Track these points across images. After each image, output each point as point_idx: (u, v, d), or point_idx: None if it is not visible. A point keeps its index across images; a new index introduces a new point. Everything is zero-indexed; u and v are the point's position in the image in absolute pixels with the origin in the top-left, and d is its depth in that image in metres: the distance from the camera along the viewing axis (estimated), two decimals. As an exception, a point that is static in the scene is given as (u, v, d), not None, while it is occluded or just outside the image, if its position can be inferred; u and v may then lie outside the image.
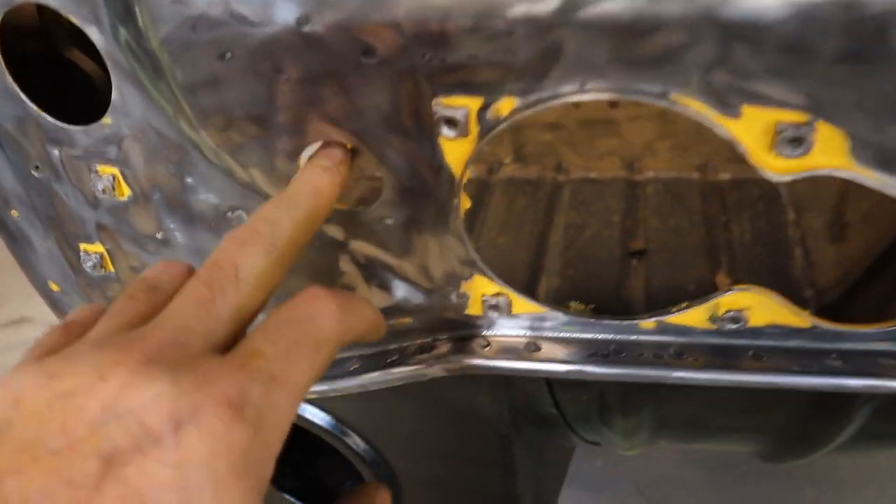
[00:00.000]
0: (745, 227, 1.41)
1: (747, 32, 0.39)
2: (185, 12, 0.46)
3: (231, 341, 0.37)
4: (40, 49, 0.69)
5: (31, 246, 0.73)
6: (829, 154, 0.44)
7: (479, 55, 0.43)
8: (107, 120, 0.58)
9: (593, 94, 0.44)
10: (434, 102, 0.46)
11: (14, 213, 0.70)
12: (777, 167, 0.45)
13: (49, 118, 0.60)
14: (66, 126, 0.59)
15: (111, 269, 0.69)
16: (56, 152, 0.62)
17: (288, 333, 0.37)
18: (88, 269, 0.69)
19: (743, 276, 1.34)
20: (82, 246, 0.68)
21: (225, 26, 0.46)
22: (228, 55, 0.47)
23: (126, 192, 0.62)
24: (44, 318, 2.40)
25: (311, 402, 0.78)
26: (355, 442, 0.79)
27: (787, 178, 0.45)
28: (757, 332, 0.57)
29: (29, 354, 0.37)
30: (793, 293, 1.25)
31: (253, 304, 0.40)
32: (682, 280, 1.31)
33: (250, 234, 0.41)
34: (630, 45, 0.41)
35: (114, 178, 0.61)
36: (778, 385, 0.56)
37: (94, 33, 0.53)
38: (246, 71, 0.48)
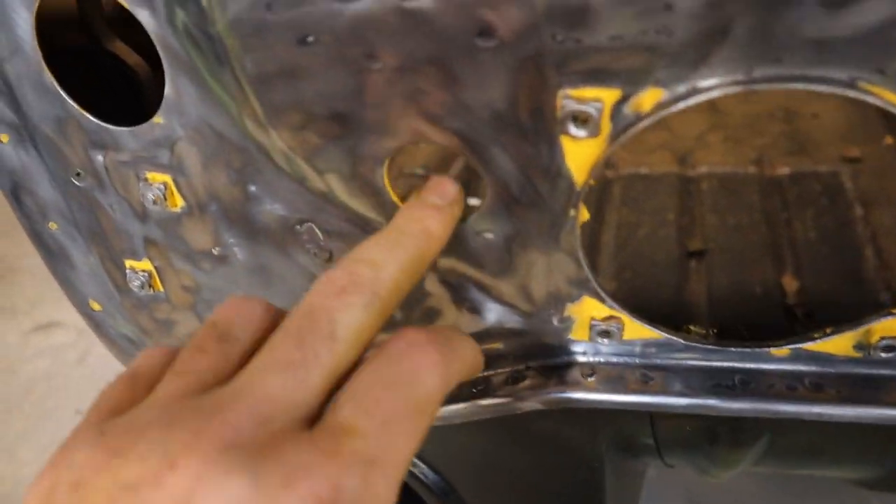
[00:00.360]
0: (809, 224, 1.31)
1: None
2: (262, -9, 0.39)
3: (320, 410, 0.30)
4: (80, 41, 0.62)
5: (70, 262, 0.66)
6: None
7: (625, 35, 0.35)
8: (158, 119, 0.51)
9: (762, 83, 0.36)
10: (560, 95, 0.39)
11: (52, 225, 0.63)
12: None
13: (92, 118, 0.52)
14: (111, 127, 0.52)
15: (160, 288, 0.62)
16: (100, 158, 0.55)
17: (385, 399, 0.30)
18: (135, 289, 0.62)
19: (810, 278, 1.25)
20: (128, 263, 0.61)
21: (308, 3, 0.38)
22: (311, 39, 0.39)
23: (179, 202, 0.55)
24: (75, 323, 2.34)
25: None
26: (423, 471, 0.72)
27: None
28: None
29: (92, 411, 0.30)
30: (867, 297, 1.16)
31: (348, 364, 0.33)
32: (746, 282, 1.22)
33: (350, 279, 0.34)
34: (821, 19, 0.33)
35: (165, 186, 0.54)
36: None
37: (145, 17, 0.46)
38: (331, 58, 0.40)
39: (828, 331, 0.48)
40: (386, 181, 0.46)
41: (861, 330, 0.48)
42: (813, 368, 0.50)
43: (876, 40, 0.34)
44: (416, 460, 0.71)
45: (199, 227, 0.56)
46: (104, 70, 0.64)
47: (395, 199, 0.47)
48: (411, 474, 0.73)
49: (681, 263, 0.93)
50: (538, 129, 0.41)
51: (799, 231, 1.31)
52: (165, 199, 0.54)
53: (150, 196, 0.54)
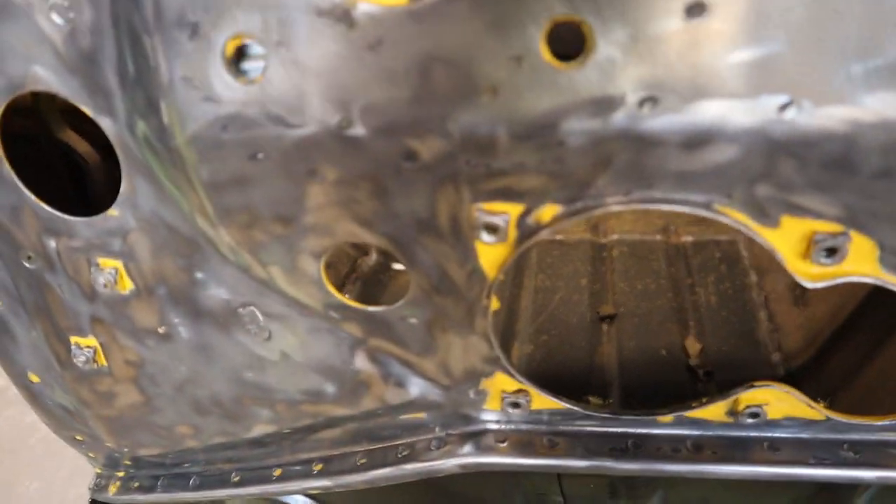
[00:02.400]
0: (711, 289, 1.45)
1: (795, 149, 0.41)
2: (217, 111, 0.45)
3: None
4: (32, 129, 0.66)
5: (12, 336, 0.68)
6: (860, 262, 0.45)
7: (526, 163, 0.43)
8: (113, 212, 0.55)
9: (637, 203, 0.44)
10: (474, 208, 0.46)
11: (-5, 302, 0.66)
12: (811, 274, 0.46)
13: (48, 208, 0.57)
14: (67, 217, 0.56)
15: (104, 363, 0.65)
16: (52, 243, 0.58)
17: None
18: (80, 364, 0.65)
19: (711, 341, 1.37)
20: (73, 339, 0.64)
21: (259, 127, 0.44)
22: (261, 155, 0.46)
23: (128, 285, 0.59)
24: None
25: (309, 495, 0.75)
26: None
27: (820, 285, 0.46)
28: (774, 424, 0.57)
29: None
30: (760, 357, 1.28)
31: None
32: (653, 345, 1.33)
33: None
34: (681, 157, 0.42)
35: (116, 271, 0.58)
36: (795, 477, 0.57)
37: (107, 124, 0.51)
38: (278, 171, 0.46)
39: (703, 400, 0.57)
40: (323, 273, 0.52)
41: (731, 399, 0.56)
42: (693, 432, 0.58)
43: (723, 174, 0.42)
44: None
45: (146, 308, 0.60)
46: (51, 156, 0.68)
47: (330, 287, 0.53)
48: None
49: (593, 327, 1.01)
50: (455, 234, 0.48)
51: (701, 296, 1.44)
52: (116, 282, 0.58)
53: (102, 280, 0.58)
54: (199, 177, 0.48)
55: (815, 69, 0.39)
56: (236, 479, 0.73)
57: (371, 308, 0.54)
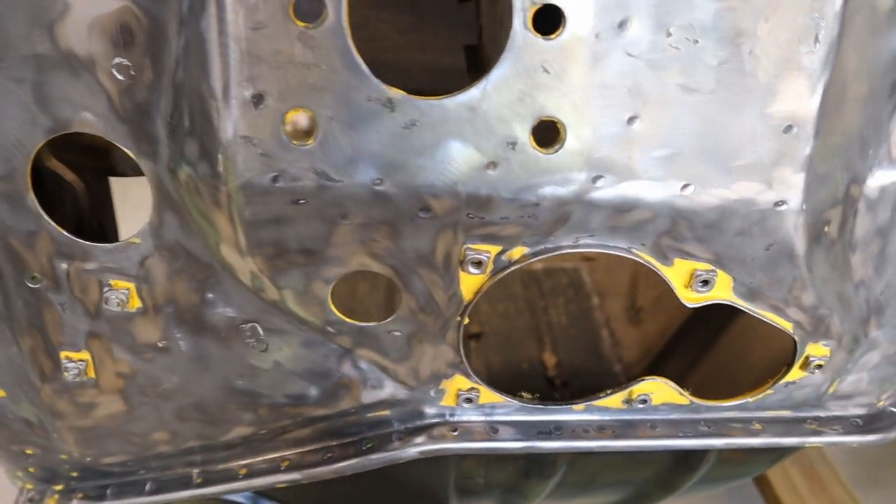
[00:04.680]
0: (561, 310, 1.70)
1: (688, 216, 0.60)
2: (272, 165, 0.56)
3: None
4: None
5: (-16, 352, 0.71)
6: (722, 290, 0.66)
7: (509, 217, 0.59)
8: (135, 240, 0.63)
9: (581, 248, 0.62)
10: (464, 247, 0.61)
11: (-24, 319, 0.69)
12: (691, 298, 0.66)
13: (68, 235, 0.63)
14: (87, 244, 0.63)
15: (92, 375, 0.71)
16: (64, 266, 0.65)
17: None
18: (70, 377, 0.70)
19: (564, 355, 1.62)
20: (65, 353, 0.70)
21: (306, 180, 0.56)
22: (302, 201, 0.57)
23: (137, 304, 0.66)
24: None
25: (263, 494, 0.84)
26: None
27: (696, 306, 0.66)
28: (654, 408, 0.77)
29: None
30: (605, 369, 1.54)
31: None
32: (516, 359, 1.55)
33: None
34: (615, 217, 0.60)
35: (129, 291, 0.65)
36: (668, 447, 0.77)
37: (147, 166, 0.60)
38: (314, 214, 0.58)
39: (608, 392, 0.75)
40: (329, 296, 0.64)
41: (627, 391, 0.75)
42: (598, 417, 0.77)
43: (640, 229, 0.61)
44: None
45: (149, 325, 0.68)
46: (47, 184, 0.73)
47: (333, 308, 0.65)
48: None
49: (465, 344, 1.19)
50: (446, 266, 0.62)
51: (553, 316, 1.69)
52: (126, 301, 0.66)
53: (114, 299, 0.65)
54: (242, 216, 0.58)
55: (704, 165, 0.58)
56: (199, 480, 0.80)
57: (364, 324, 0.67)
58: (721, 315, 1.17)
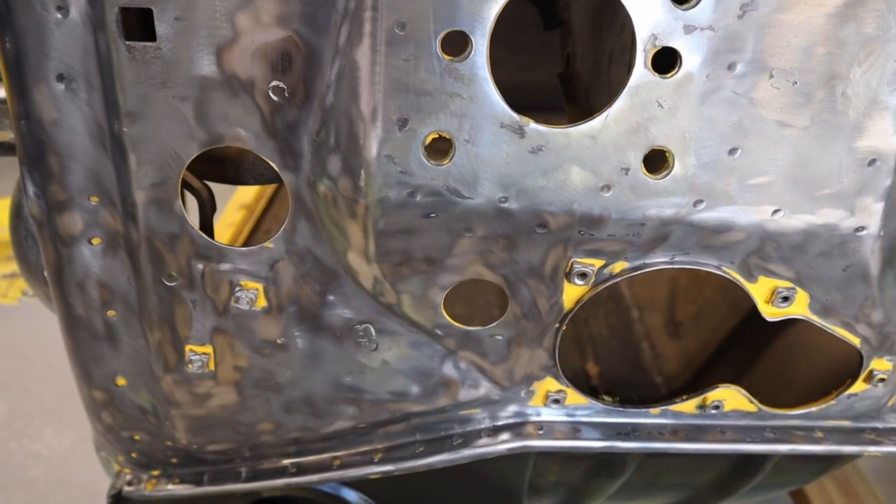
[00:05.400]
0: (602, 322, 1.76)
1: (776, 238, 0.66)
2: (410, 181, 0.62)
3: None
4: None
5: (114, 344, 0.78)
6: (799, 307, 0.72)
7: (616, 234, 0.65)
8: (269, 245, 0.70)
9: (676, 265, 0.68)
10: (572, 260, 0.67)
11: (111, 313, 0.76)
12: (770, 312, 0.72)
13: (207, 238, 0.69)
14: (224, 246, 0.70)
15: (213, 368, 0.77)
16: (200, 266, 0.71)
17: None
18: (192, 369, 0.76)
19: (606, 366, 1.67)
20: (190, 347, 0.76)
21: (440, 196, 0.63)
22: (433, 215, 0.64)
23: (263, 303, 0.73)
24: None
25: (348, 483, 0.90)
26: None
27: (776, 320, 0.72)
28: (724, 414, 0.83)
29: None
30: (646, 380, 1.60)
31: None
32: (561, 368, 1.60)
33: None
34: (710, 237, 0.66)
35: (257, 292, 0.72)
36: (736, 451, 0.83)
37: (289, 179, 0.66)
38: (442, 227, 0.65)
39: (684, 397, 0.81)
40: (442, 302, 0.70)
41: (701, 397, 0.81)
42: (672, 421, 0.83)
43: (732, 249, 0.67)
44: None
45: (272, 323, 0.74)
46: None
47: (444, 313, 0.71)
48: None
49: None
50: (553, 277, 0.68)
51: (594, 327, 1.75)
52: (254, 301, 0.72)
53: (244, 299, 0.71)
54: (376, 226, 0.65)
55: (794, 193, 0.64)
56: (293, 469, 0.86)
57: (470, 328, 0.73)
58: (763, 333, 1.23)
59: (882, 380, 0.79)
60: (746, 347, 1.30)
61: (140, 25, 0.63)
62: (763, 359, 1.17)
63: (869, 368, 0.79)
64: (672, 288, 1.70)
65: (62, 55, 0.64)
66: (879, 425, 0.86)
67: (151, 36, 0.62)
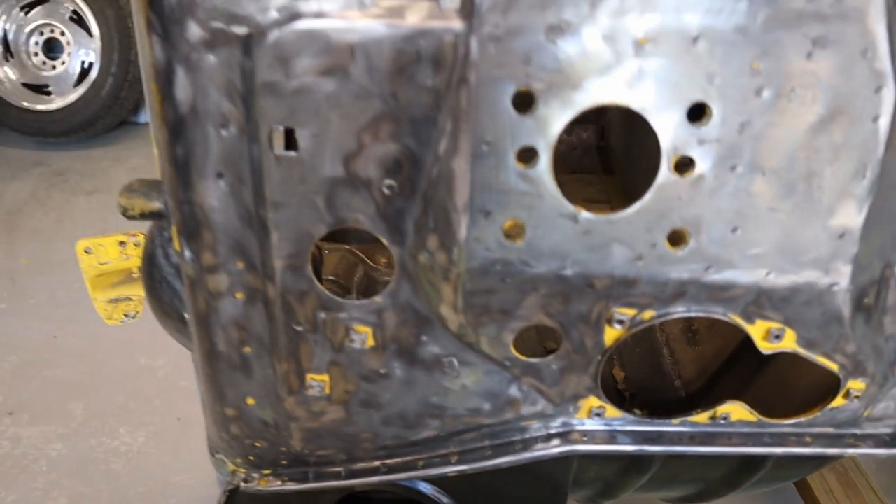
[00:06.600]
0: (624, 331, 1.94)
1: (768, 292, 0.87)
2: (491, 256, 0.83)
3: None
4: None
5: (248, 372, 0.99)
6: (788, 342, 0.92)
7: (646, 292, 0.86)
8: (378, 299, 0.91)
9: (692, 314, 0.88)
10: (612, 311, 0.88)
11: (247, 349, 0.97)
12: (766, 346, 0.93)
13: (331, 295, 0.90)
14: (344, 301, 0.91)
15: (328, 392, 0.98)
16: (323, 315, 0.92)
17: None
18: (312, 392, 0.98)
19: (630, 371, 1.88)
20: (310, 376, 0.97)
21: (513, 266, 0.83)
22: (509, 280, 0.85)
23: (371, 343, 0.94)
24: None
25: (427, 480, 1.11)
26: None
27: (770, 353, 0.93)
28: (731, 423, 1.04)
29: None
30: (667, 384, 1.80)
31: None
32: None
33: None
34: (718, 293, 0.87)
35: (367, 334, 0.93)
36: (740, 453, 1.04)
37: (395, 251, 0.87)
38: (515, 288, 0.85)
39: (698, 411, 1.02)
40: (511, 341, 0.91)
41: (712, 410, 1.02)
42: (689, 429, 1.03)
43: (736, 300, 0.87)
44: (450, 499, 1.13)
45: (377, 358, 0.95)
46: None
47: (513, 349, 0.92)
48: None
49: (543, 356, 1.40)
50: (597, 323, 0.89)
51: (618, 335, 1.93)
52: (364, 342, 0.93)
53: (357, 340, 0.92)
54: (464, 288, 0.86)
55: (781, 259, 0.84)
56: (384, 469, 1.08)
57: (533, 360, 0.94)
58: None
59: (857, 396, 0.99)
60: (753, 358, 1.50)
61: (286, 139, 0.84)
62: (767, 371, 1.37)
63: (846, 387, 0.99)
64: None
65: (222, 159, 0.84)
66: (858, 431, 1.06)
67: (294, 147, 0.82)
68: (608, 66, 0.75)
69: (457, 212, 0.82)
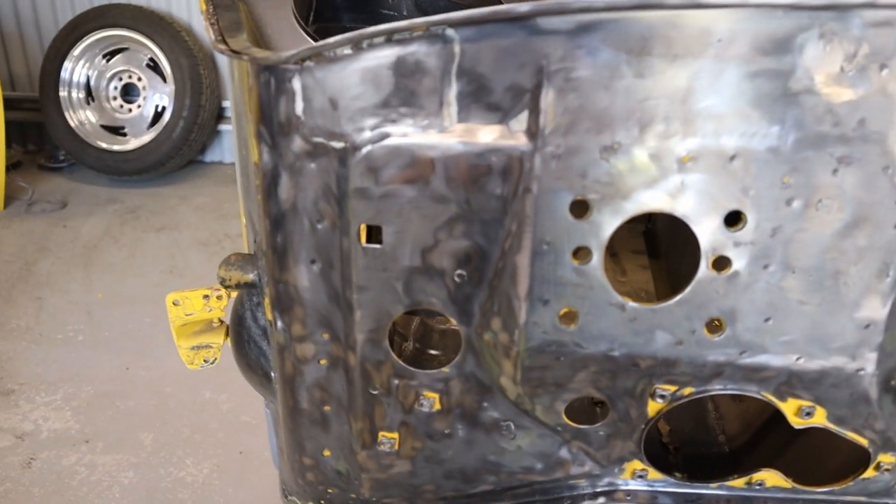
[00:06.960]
0: (665, 383, 2.01)
1: (799, 375, 0.96)
2: (548, 338, 0.94)
3: None
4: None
5: (326, 427, 1.12)
6: (819, 418, 1.01)
7: (686, 372, 0.96)
8: (446, 370, 1.03)
9: (728, 391, 0.98)
10: (655, 387, 0.98)
11: (327, 408, 1.10)
12: (798, 422, 1.01)
13: (404, 365, 1.03)
14: (418, 371, 1.03)
15: (397, 448, 1.10)
16: (396, 382, 1.04)
17: None
18: (383, 448, 1.10)
19: (676, 424, 1.95)
20: (382, 433, 1.09)
21: (567, 347, 0.95)
22: (562, 358, 0.96)
23: (438, 407, 1.06)
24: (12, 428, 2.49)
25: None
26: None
27: (802, 427, 1.01)
28: (766, 489, 1.12)
29: None
30: (710, 438, 1.86)
31: None
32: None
33: None
34: (751, 374, 0.96)
35: (434, 399, 1.05)
36: (776, 518, 1.12)
37: (462, 329, 0.99)
38: (568, 365, 0.96)
39: (734, 476, 1.10)
40: (563, 410, 1.02)
41: (748, 476, 1.10)
42: (727, 493, 1.12)
43: (769, 381, 0.97)
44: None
45: (442, 420, 1.07)
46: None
47: (564, 417, 1.03)
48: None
49: (589, 413, 1.49)
50: (641, 396, 0.99)
51: (661, 386, 2.00)
52: (432, 406, 1.05)
53: (425, 404, 1.04)
54: (523, 364, 0.97)
55: (811, 346, 0.94)
56: (444, 518, 1.19)
57: (582, 426, 1.04)
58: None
59: (888, 469, 1.07)
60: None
61: (371, 233, 0.97)
62: (802, 435, 1.44)
63: (877, 461, 1.06)
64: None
65: (315, 248, 0.98)
66: (890, 501, 1.13)
67: (378, 241, 0.96)
68: (654, 179, 0.86)
69: (518, 299, 0.94)
